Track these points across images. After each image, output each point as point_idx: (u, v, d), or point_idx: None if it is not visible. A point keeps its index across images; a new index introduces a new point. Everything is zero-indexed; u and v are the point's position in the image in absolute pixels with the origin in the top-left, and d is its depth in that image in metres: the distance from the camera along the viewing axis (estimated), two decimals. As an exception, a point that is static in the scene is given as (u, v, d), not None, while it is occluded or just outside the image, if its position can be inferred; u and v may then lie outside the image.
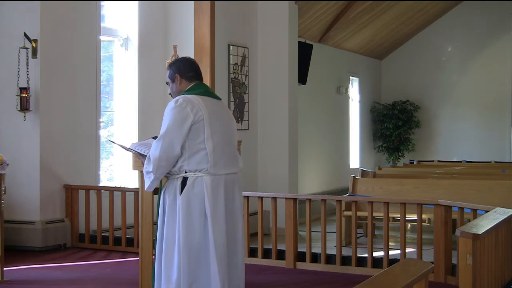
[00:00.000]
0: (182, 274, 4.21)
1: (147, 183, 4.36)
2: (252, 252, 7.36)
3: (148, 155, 4.33)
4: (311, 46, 12.15)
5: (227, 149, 4.37)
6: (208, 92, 4.49)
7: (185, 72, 4.49)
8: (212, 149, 4.26)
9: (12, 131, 7.98)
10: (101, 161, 8.79)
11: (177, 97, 4.36)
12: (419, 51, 16.42)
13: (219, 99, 4.56)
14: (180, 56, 6.53)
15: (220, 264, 4.23)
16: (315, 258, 7.12)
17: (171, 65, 4.57)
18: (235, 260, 4.39)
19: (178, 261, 4.23)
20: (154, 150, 4.26)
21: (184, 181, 4.27)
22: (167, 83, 4.61)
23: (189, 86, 4.46)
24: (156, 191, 5.30)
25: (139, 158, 4.56)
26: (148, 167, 4.30)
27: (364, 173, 10.73)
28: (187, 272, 4.21)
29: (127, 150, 4.73)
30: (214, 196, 4.26)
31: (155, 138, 4.62)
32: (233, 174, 4.41)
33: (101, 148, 8.77)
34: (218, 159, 4.28)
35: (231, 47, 9.83)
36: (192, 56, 8.24)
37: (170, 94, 4.60)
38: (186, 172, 4.27)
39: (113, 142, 5.06)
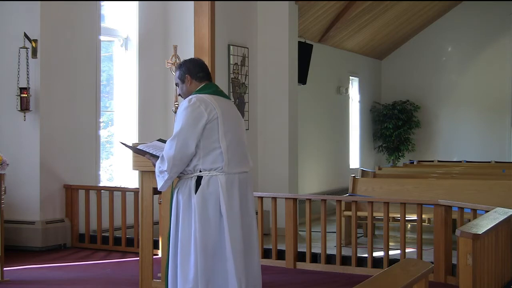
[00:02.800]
0: (199, 272, 4.22)
1: (160, 183, 4.34)
2: (252, 252, 7.36)
3: (161, 155, 4.32)
4: (311, 46, 12.15)
5: (239, 148, 4.39)
6: (219, 91, 4.51)
7: (195, 73, 4.49)
8: (226, 148, 4.27)
9: (12, 131, 7.98)
10: (101, 161, 8.80)
11: (190, 97, 4.36)
12: (419, 51, 16.42)
13: (229, 98, 4.60)
14: (180, 56, 6.54)
15: (237, 262, 4.23)
16: (315, 258, 7.12)
17: (180, 66, 4.56)
18: (251, 258, 4.39)
19: (195, 259, 4.23)
20: (168, 149, 4.26)
21: (199, 180, 4.27)
22: (176, 84, 4.59)
23: (200, 86, 4.46)
24: (156, 191, 5.30)
25: (149, 159, 4.55)
26: (162, 166, 4.29)
27: (364, 173, 10.72)
28: (203, 270, 4.22)
29: (136, 151, 4.71)
30: (229, 195, 4.27)
31: (160, 140, 4.62)
32: (245, 173, 4.42)
33: (101, 148, 8.77)
34: (231, 158, 4.30)
35: (231, 47, 9.83)
36: (192, 56, 8.25)
37: (179, 95, 4.59)
38: (200, 171, 4.27)
39: (123, 144, 5.02)
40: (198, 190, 4.26)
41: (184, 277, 4.29)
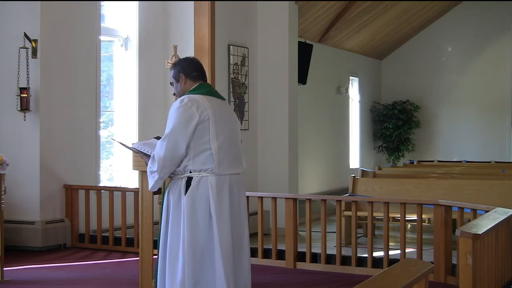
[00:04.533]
0: (186, 275, 4.20)
1: (151, 183, 4.34)
2: (252, 252, 7.31)
3: (152, 154, 4.31)
4: (311, 46, 12.15)
5: (232, 149, 4.37)
6: (213, 92, 4.48)
7: (190, 72, 4.46)
8: (217, 149, 4.24)
9: (12, 131, 7.98)
10: (101, 161, 8.79)
11: (183, 97, 4.34)
12: (419, 51, 16.42)
13: (224, 99, 4.56)
14: (180, 56, 6.54)
15: (226, 264, 4.21)
16: (315, 258, 7.12)
17: (175, 65, 4.54)
18: (241, 260, 4.37)
19: (183, 261, 4.21)
20: (159, 149, 4.25)
21: (189, 181, 4.25)
22: (171, 84, 4.57)
23: (194, 86, 4.44)
24: (156, 191, 5.29)
25: (143, 157, 4.55)
26: (152, 166, 4.28)
27: (364, 173, 10.73)
28: (191, 272, 4.20)
29: (130, 149, 4.71)
30: (219, 196, 4.25)
31: (157, 138, 4.60)
32: (237, 175, 4.40)
33: (101, 148, 8.77)
34: (222, 159, 4.27)
35: (231, 47, 9.83)
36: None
37: (174, 94, 4.57)
38: (190, 172, 4.25)
39: (115, 141, 5.04)
40: (188, 191, 4.24)
41: (172, 279, 4.27)
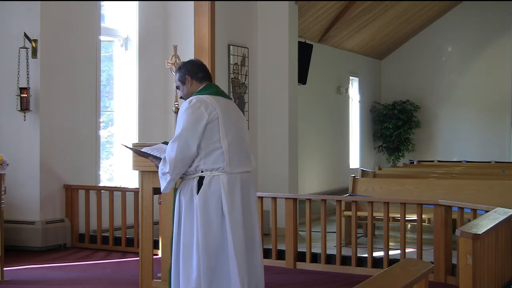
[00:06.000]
0: (202, 273, 4.22)
1: (163, 185, 4.35)
2: (252, 252, 7.35)
3: (163, 156, 4.33)
4: (311, 46, 12.15)
5: (240, 148, 4.39)
6: (219, 92, 4.52)
7: (195, 73, 4.50)
8: (227, 148, 4.27)
9: (12, 131, 7.98)
10: (101, 161, 8.80)
11: (190, 98, 4.37)
12: (419, 51, 16.42)
13: (230, 98, 4.61)
14: (180, 56, 6.54)
15: (239, 262, 4.23)
16: (315, 258, 7.12)
17: (180, 68, 4.57)
18: (253, 258, 4.39)
19: (197, 260, 4.23)
20: (170, 151, 4.27)
21: (201, 180, 4.27)
22: (177, 87, 4.59)
23: (201, 87, 4.47)
24: (156, 191, 5.30)
25: (153, 161, 4.55)
26: (164, 168, 4.29)
27: (364, 173, 10.72)
28: (206, 271, 4.22)
29: (139, 154, 4.70)
30: (231, 194, 4.27)
31: (165, 143, 4.61)
32: (247, 173, 4.42)
33: (101, 148, 8.78)
34: (233, 158, 4.30)
35: (231, 47, 9.83)
36: (192, 57, 8.24)
37: (181, 97, 4.58)
38: (202, 172, 4.28)
39: (124, 146, 5.00)
40: (200, 190, 4.26)
41: (186, 278, 4.28)
